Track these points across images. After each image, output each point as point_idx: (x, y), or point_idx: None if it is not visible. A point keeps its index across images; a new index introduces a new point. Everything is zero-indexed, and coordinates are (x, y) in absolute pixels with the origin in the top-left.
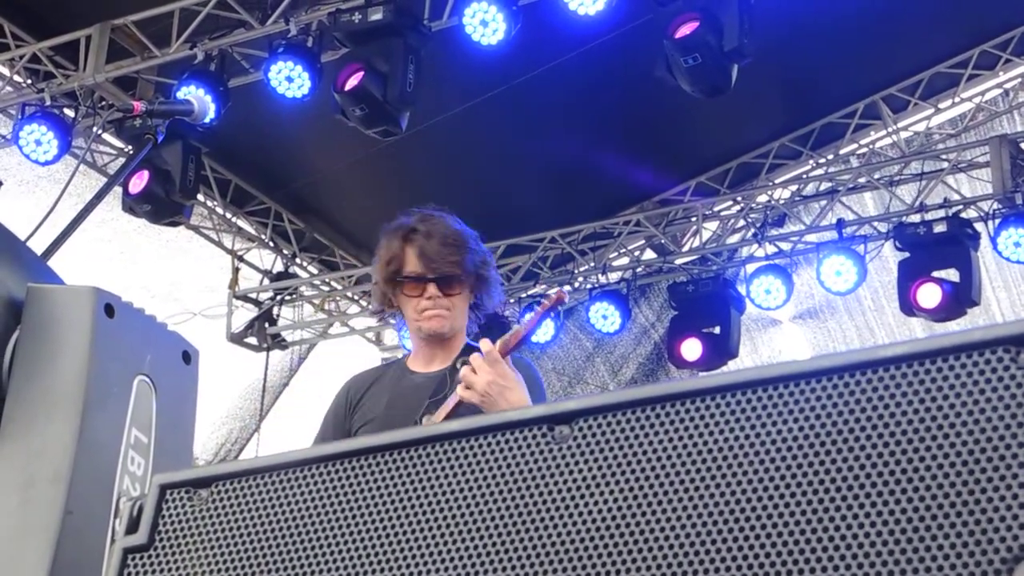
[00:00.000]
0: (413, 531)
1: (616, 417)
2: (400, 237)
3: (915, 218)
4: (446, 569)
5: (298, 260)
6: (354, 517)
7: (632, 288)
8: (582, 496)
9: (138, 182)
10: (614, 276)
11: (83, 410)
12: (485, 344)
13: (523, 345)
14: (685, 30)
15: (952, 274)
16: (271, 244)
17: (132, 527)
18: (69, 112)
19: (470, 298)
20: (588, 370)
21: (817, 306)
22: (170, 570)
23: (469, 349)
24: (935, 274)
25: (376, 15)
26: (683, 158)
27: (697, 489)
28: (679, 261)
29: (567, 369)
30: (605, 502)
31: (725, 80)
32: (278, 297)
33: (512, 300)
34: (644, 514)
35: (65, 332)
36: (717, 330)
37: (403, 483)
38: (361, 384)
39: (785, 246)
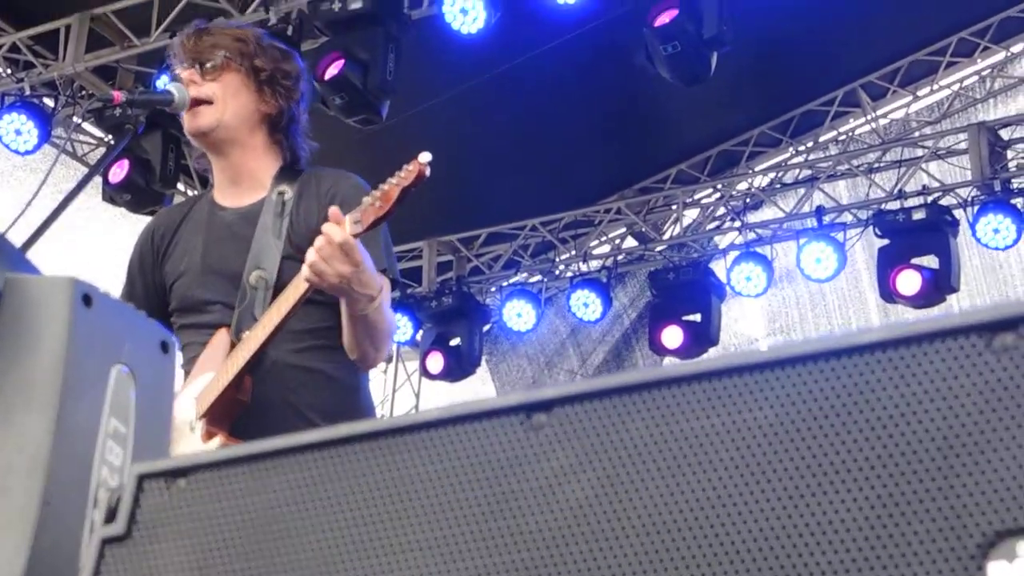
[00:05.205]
0: (391, 522)
1: (594, 404)
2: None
3: (894, 205)
4: (424, 559)
5: None
6: (331, 508)
7: (612, 276)
8: (560, 484)
9: (118, 171)
10: (595, 264)
11: (61, 399)
12: (334, 229)
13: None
14: (664, 18)
15: (931, 260)
16: None
17: (110, 517)
18: (49, 102)
19: (257, 99)
20: (559, 356)
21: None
22: (147, 560)
23: (287, 173)
24: (914, 261)
25: (356, 4)
26: (663, 146)
27: (674, 476)
28: (659, 249)
29: (540, 356)
30: (583, 490)
31: (704, 68)
32: None
33: (493, 289)
34: (622, 501)
35: (43, 322)
36: (698, 318)
37: (382, 473)
38: (168, 225)
39: (765, 233)
